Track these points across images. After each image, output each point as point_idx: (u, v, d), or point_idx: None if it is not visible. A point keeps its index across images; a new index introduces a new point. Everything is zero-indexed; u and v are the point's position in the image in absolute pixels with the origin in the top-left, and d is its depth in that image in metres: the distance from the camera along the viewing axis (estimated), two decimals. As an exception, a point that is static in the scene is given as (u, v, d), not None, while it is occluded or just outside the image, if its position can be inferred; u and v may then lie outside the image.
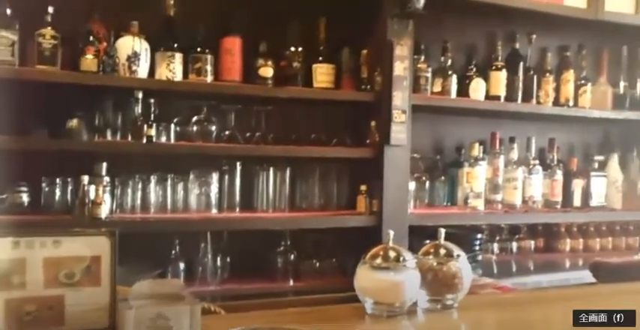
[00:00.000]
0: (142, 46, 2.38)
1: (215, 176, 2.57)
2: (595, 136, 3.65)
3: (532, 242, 3.35)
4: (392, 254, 1.42)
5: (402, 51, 2.76)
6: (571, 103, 3.31)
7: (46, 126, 2.29)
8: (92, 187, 2.27)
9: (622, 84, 3.50)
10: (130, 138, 2.41)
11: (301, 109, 2.81)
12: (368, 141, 2.80)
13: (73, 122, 2.30)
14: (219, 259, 2.57)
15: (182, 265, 2.51)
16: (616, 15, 3.30)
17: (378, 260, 1.42)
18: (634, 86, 3.52)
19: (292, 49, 2.68)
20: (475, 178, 3.06)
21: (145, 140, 2.39)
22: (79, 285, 1.11)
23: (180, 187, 2.55)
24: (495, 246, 3.24)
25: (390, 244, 1.45)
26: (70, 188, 2.37)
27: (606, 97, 3.44)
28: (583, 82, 3.37)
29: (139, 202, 2.47)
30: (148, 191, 2.48)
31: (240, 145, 2.63)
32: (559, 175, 3.30)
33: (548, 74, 3.26)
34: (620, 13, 3.32)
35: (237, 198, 2.65)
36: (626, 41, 3.54)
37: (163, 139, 2.49)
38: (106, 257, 1.13)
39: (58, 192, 2.36)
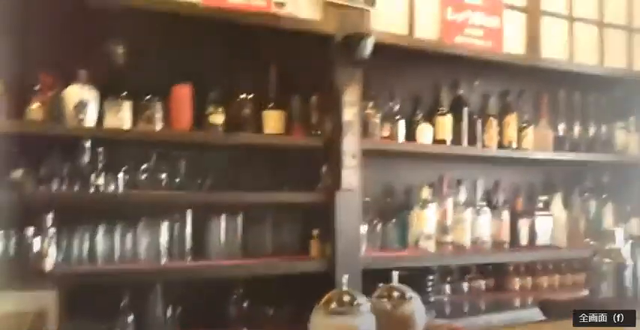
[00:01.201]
0: (89, 95, 2.36)
1: (165, 225, 2.53)
2: (538, 176, 3.77)
3: (482, 282, 3.40)
4: (346, 299, 1.43)
5: (351, 97, 2.82)
6: (514, 146, 3.42)
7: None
8: (37, 239, 2.20)
9: (561, 126, 3.65)
10: (76, 188, 2.36)
11: (252, 156, 2.81)
12: (319, 186, 2.81)
13: (17, 172, 2.24)
14: (169, 309, 2.51)
15: (131, 318, 2.43)
16: (552, 61, 3.48)
17: (333, 305, 1.42)
18: (572, 128, 3.68)
19: (242, 96, 2.70)
20: (425, 220, 3.10)
21: (92, 190, 2.34)
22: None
23: (129, 237, 2.49)
24: (447, 287, 3.27)
25: (344, 288, 1.45)
26: (13, 240, 2.29)
27: (547, 140, 3.57)
28: (525, 125, 3.49)
29: (86, 253, 2.40)
30: (96, 242, 2.42)
31: (191, 193, 2.61)
32: (505, 216, 3.39)
33: (491, 118, 3.37)
34: (555, 60, 3.50)
35: (188, 246, 2.61)
36: (563, 85, 3.71)
37: (112, 188, 2.44)
38: (51, 313, 1.09)
39: (0, 245, 2.27)
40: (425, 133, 3.15)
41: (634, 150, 3.82)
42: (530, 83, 3.65)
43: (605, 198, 3.79)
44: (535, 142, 3.51)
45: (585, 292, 2.45)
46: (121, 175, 2.47)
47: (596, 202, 3.78)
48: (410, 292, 1.54)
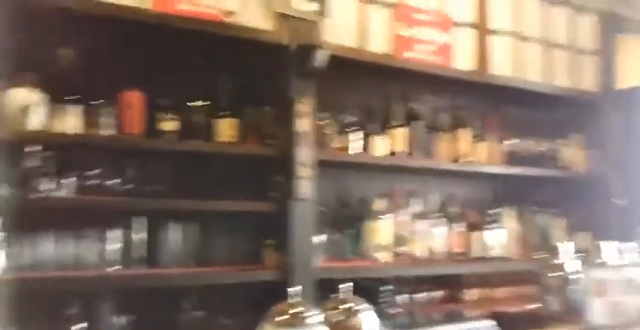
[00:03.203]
0: (36, 98, 2.33)
1: (116, 232, 2.49)
2: (491, 189, 3.83)
3: (437, 293, 3.40)
4: (297, 310, 1.40)
5: (304, 108, 2.84)
6: (466, 159, 3.48)
7: None
8: (-19, 245, 2.13)
9: (510, 141, 3.74)
10: (24, 192, 2.31)
11: (205, 163, 2.80)
12: (273, 195, 2.81)
13: (-38, 176, 2.19)
14: (122, 318, 2.45)
15: (82, 327, 2.36)
16: (500, 78, 3.59)
17: (283, 317, 1.39)
18: (521, 143, 3.77)
19: (195, 103, 2.70)
20: (380, 231, 3.12)
21: (41, 195, 2.29)
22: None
23: (79, 243, 2.44)
24: (402, 298, 3.26)
25: (295, 299, 1.43)
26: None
27: (497, 153, 3.66)
28: (476, 139, 3.56)
29: (34, 260, 2.34)
30: (45, 248, 2.37)
31: (144, 199, 2.57)
32: (459, 227, 3.42)
33: (443, 132, 3.44)
34: (503, 76, 3.61)
35: (140, 254, 2.56)
36: (511, 102, 3.82)
37: (61, 193, 2.39)
38: None
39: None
40: (379, 145, 3.19)
41: (579, 166, 3.94)
42: (480, 98, 3.75)
43: (555, 212, 3.87)
44: (486, 155, 3.58)
45: (537, 305, 2.49)
46: (70, 181, 2.43)
47: (546, 216, 3.85)
48: (361, 304, 1.54)
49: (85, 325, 2.36)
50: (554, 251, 2.41)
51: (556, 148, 3.91)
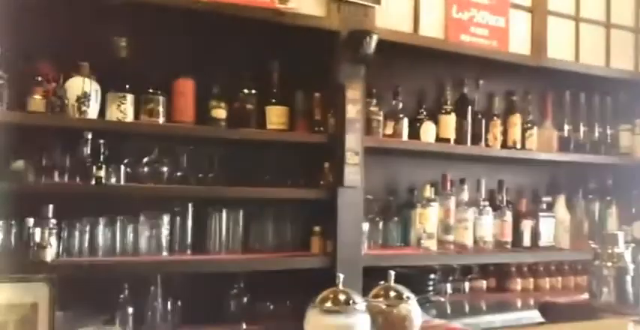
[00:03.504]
0: (92, 87, 2.36)
1: (166, 218, 2.54)
2: (542, 177, 3.75)
3: (484, 282, 3.38)
4: (342, 297, 1.42)
5: (354, 94, 2.81)
6: (518, 146, 3.41)
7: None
8: (37, 230, 2.20)
9: (566, 127, 3.63)
10: (78, 179, 2.36)
11: (255, 151, 2.81)
12: (322, 182, 2.81)
13: (18, 163, 2.25)
14: (169, 303, 2.51)
15: (131, 310, 2.43)
16: (558, 62, 3.46)
17: (328, 304, 1.41)
18: (577, 129, 3.66)
19: (246, 91, 2.69)
20: (427, 218, 3.09)
21: (93, 182, 2.34)
22: (11, 336, 1.04)
23: (129, 229, 2.50)
24: (448, 286, 3.26)
25: (340, 287, 1.44)
26: (14, 231, 2.29)
27: (552, 140, 3.56)
28: (529, 125, 3.48)
29: (86, 245, 2.41)
30: (97, 234, 2.43)
31: (193, 187, 2.61)
32: (508, 216, 3.37)
33: (495, 118, 3.36)
34: (561, 60, 3.48)
35: (189, 240, 2.61)
36: (569, 86, 3.69)
37: (113, 180, 2.44)
38: (44, 305, 1.07)
39: (0, 235, 2.28)
40: (428, 132, 3.13)
41: (639, 152, 3.80)
42: (535, 83, 3.64)
43: (610, 200, 3.77)
44: (539, 142, 3.50)
45: (586, 296, 2.44)
46: (122, 168, 2.48)
47: (600, 205, 3.75)
48: (406, 293, 1.53)
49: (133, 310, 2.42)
50: (609, 240, 2.35)
51: (615, 133, 3.78)
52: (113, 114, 2.41)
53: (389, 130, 3.05)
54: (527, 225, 3.45)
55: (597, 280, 2.33)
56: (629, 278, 2.28)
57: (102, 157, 2.40)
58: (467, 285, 3.32)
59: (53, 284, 1.05)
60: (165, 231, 2.53)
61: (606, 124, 3.77)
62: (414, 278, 2.95)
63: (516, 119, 3.42)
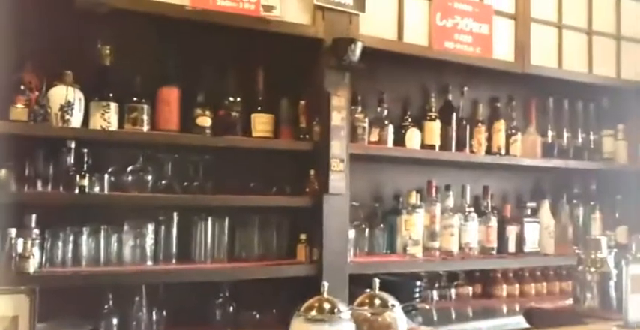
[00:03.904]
0: (75, 96, 2.34)
1: (151, 227, 2.51)
2: (526, 183, 3.78)
3: (470, 288, 3.39)
4: (326, 306, 1.42)
5: (339, 102, 2.81)
6: (502, 152, 3.43)
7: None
8: (20, 240, 2.17)
9: (550, 133, 3.66)
10: (61, 189, 2.34)
11: (240, 159, 2.80)
12: (307, 190, 2.80)
13: (1, 173, 2.22)
14: (154, 312, 2.48)
15: (115, 321, 2.41)
16: (541, 68, 3.49)
17: (313, 312, 1.41)
18: (561, 135, 3.69)
19: (231, 98, 2.68)
20: (413, 225, 3.10)
21: (77, 191, 2.32)
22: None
23: (114, 238, 2.47)
24: (434, 293, 3.26)
25: (325, 295, 1.44)
26: (-4, 241, 2.27)
27: (535, 146, 3.59)
28: (513, 131, 3.51)
29: (70, 254, 2.38)
30: (80, 243, 2.40)
31: (178, 196, 2.59)
32: (493, 222, 3.38)
33: (480, 124, 3.39)
34: (545, 67, 3.51)
35: (174, 249, 2.59)
36: (552, 93, 3.72)
37: (97, 189, 2.42)
38: (24, 318, 1.04)
39: (-18, 245, 2.25)
40: (413, 139, 3.15)
41: (621, 158, 3.84)
42: (519, 90, 3.68)
43: (593, 205, 3.80)
44: (523, 148, 3.53)
45: (571, 301, 2.45)
46: (106, 177, 2.46)
47: (584, 210, 3.79)
48: (391, 300, 1.54)
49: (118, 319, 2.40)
50: (592, 246, 2.37)
51: (598, 139, 3.82)
52: (97, 123, 2.40)
53: (374, 137, 3.06)
54: (512, 231, 3.46)
55: (581, 285, 2.36)
56: (612, 283, 2.30)
57: (85, 166, 2.38)
58: (453, 291, 3.33)
59: (34, 296, 1.03)
60: (149, 240, 2.50)
61: (589, 130, 3.81)
62: (400, 285, 2.95)
63: (500, 125, 3.45)
